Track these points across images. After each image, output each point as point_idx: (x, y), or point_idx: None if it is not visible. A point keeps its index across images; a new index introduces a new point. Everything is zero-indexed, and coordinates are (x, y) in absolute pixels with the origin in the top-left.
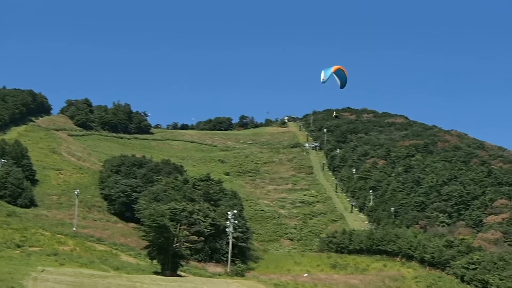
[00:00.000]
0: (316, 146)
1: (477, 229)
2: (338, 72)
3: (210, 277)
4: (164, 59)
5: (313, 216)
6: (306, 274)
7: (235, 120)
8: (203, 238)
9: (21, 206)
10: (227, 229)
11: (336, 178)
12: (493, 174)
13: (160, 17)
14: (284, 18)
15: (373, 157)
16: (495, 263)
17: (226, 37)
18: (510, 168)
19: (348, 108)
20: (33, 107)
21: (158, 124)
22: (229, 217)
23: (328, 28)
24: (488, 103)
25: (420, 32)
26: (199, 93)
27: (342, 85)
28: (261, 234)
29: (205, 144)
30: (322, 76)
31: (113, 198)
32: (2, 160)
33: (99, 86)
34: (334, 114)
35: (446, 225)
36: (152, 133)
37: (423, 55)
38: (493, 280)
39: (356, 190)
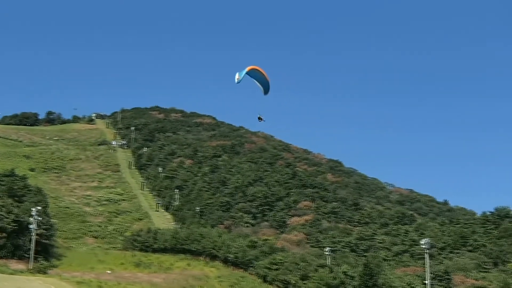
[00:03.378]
0: (123, 144)
1: (281, 230)
2: (255, 75)
3: (12, 274)
4: None
5: (118, 214)
6: (109, 272)
7: (41, 116)
8: (5, 234)
9: None
10: (30, 226)
11: (142, 176)
12: (298, 176)
13: None
14: (88, 17)
15: (180, 156)
16: (297, 264)
17: (36, 33)
18: (314, 171)
19: (157, 107)
20: None
21: None
22: (33, 213)
23: (122, 28)
24: (293, 105)
25: (221, 30)
26: (6, 87)
27: (266, 91)
28: (65, 231)
29: (10, 139)
30: (237, 76)
31: None
32: None
33: None
34: (259, 117)
35: (250, 226)
36: None
37: (229, 54)
38: (294, 280)
39: (162, 189)
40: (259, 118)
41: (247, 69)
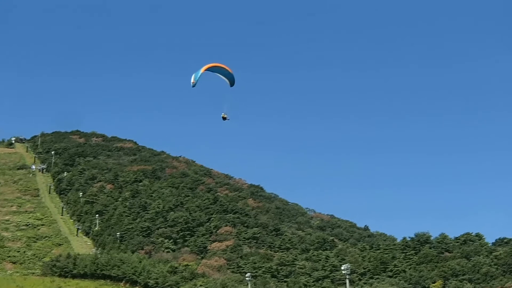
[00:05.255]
0: (43, 169)
1: (202, 255)
2: (217, 70)
3: None
4: None
5: (37, 239)
6: None
7: None
8: None
9: None
10: None
11: (62, 201)
12: (219, 201)
13: None
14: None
15: (100, 181)
16: None
17: None
18: (235, 196)
19: (77, 131)
20: None
21: None
22: None
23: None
24: (214, 129)
25: (152, 55)
26: None
27: (231, 83)
28: None
29: None
30: (192, 79)
31: None
32: None
33: None
34: (223, 115)
35: (171, 251)
36: None
37: (151, 78)
38: None
39: (82, 214)
40: (223, 117)
41: (201, 70)
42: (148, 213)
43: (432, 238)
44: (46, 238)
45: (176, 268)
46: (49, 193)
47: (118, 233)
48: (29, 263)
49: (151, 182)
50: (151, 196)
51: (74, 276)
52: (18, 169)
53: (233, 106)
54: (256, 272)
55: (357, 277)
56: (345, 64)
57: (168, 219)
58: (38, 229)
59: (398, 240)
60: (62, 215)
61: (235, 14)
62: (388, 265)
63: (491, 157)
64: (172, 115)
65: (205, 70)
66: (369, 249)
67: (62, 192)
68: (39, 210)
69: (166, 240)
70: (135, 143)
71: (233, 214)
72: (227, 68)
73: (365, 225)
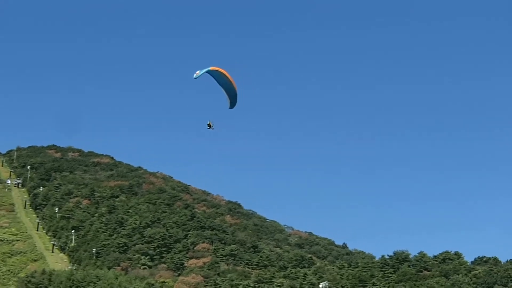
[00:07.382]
0: (19, 183)
1: (179, 272)
2: (222, 81)
3: None
4: None
5: (12, 255)
6: None
7: None
8: None
9: None
10: None
11: (38, 216)
12: (196, 217)
13: None
14: None
15: (77, 196)
16: None
17: None
18: (213, 213)
19: (54, 145)
20: None
21: None
22: None
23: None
24: (192, 145)
25: (126, 70)
26: None
27: (232, 105)
28: None
29: None
30: (198, 72)
31: None
32: None
33: None
34: (208, 123)
35: (147, 268)
36: None
37: (130, 93)
38: None
39: (58, 230)
40: (209, 125)
41: (210, 68)
42: (124, 229)
43: (411, 256)
44: (21, 254)
45: (153, 285)
46: (25, 208)
47: (94, 249)
48: (3, 278)
49: (128, 198)
50: (128, 212)
51: None
52: None
53: (222, 117)
54: None
55: None
56: (324, 81)
57: (145, 235)
58: (13, 245)
59: (377, 258)
60: (37, 231)
61: (227, 27)
62: (367, 283)
63: (471, 176)
64: (149, 130)
65: (213, 70)
66: (348, 267)
67: (37, 207)
68: (14, 225)
69: (142, 257)
70: (112, 158)
71: (210, 230)
72: (234, 85)
73: (344, 243)
